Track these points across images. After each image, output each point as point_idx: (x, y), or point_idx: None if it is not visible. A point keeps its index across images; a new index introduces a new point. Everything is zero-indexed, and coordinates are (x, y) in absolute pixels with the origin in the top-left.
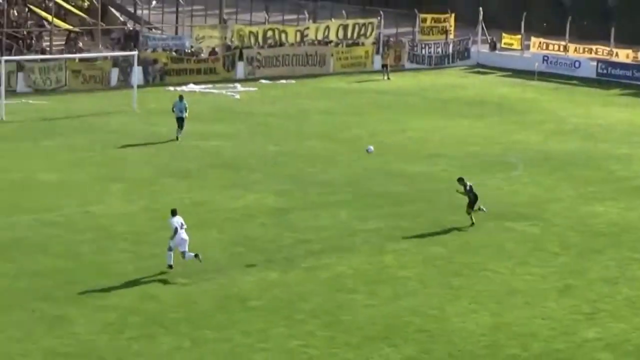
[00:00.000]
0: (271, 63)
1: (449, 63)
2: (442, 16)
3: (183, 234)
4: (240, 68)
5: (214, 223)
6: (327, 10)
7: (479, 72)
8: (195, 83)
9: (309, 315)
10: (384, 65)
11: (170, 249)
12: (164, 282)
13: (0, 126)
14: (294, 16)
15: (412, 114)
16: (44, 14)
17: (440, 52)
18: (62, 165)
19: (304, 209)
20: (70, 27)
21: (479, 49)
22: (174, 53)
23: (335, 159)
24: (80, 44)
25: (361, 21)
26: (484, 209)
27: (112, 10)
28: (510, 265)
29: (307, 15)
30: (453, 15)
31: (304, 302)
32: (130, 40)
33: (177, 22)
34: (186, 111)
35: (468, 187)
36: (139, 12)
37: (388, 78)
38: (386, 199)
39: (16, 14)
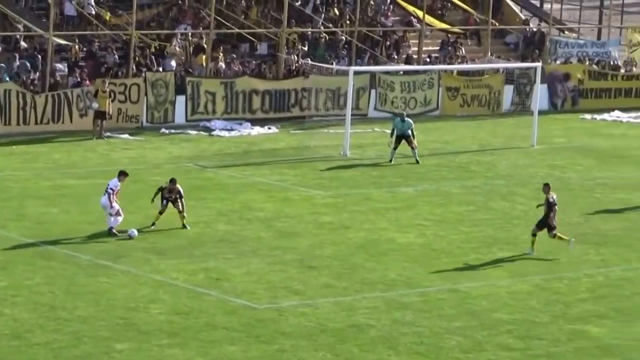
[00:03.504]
0: None
1: None
2: None
3: (104, 198)
4: None
5: None
6: None
7: None
8: (623, 110)
9: None
10: None
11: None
12: None
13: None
14: None
15: None
16: (411, 8)
17: None
18: None
19: None
20: (448, 27)
21: None
22: (594, 66)
23: None
24: (462, 51)
25: None
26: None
27: (509, 3)
28: None
29: None
30: None
31: None
32: (532, 46)
33: (600, 21)
34: (412, 133)
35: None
36: (546, 6)
37: None
38: None
39: (373, 4)
